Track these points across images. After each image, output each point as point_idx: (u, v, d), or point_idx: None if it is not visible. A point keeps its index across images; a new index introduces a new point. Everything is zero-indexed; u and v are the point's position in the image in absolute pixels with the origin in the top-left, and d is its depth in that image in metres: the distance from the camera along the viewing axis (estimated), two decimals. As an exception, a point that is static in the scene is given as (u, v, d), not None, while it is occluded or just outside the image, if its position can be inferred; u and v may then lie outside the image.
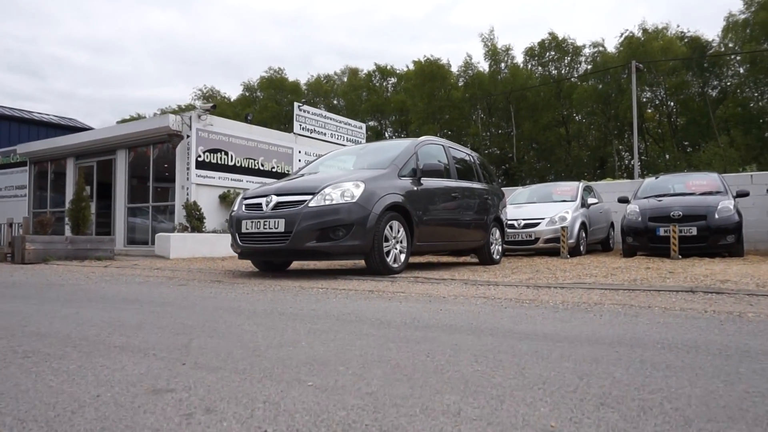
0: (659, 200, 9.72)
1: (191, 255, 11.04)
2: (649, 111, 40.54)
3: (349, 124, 17.28)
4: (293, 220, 5.25)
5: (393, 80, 53.07)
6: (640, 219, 9.38)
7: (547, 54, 41.96)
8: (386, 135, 53.55)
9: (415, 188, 6.21)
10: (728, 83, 36.45)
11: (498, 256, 8.30)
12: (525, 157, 42.58)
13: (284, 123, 53.84)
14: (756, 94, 35.78)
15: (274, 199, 5.51)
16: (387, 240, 5.63)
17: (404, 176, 6.16)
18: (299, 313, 2.91)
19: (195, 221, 11.54)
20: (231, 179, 12.80)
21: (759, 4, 34.13)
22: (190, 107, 61.29)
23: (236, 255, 5.89)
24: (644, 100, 39.12)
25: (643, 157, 41.61)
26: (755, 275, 5.09)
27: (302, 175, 6.71)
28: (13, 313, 3.15)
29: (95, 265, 8.08)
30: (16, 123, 22.84)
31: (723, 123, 34.87)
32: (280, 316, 2.88)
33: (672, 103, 39.31)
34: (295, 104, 15.22)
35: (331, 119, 16.38)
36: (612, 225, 13.11)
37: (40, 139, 23.37)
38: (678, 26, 37.62)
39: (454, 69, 46.58)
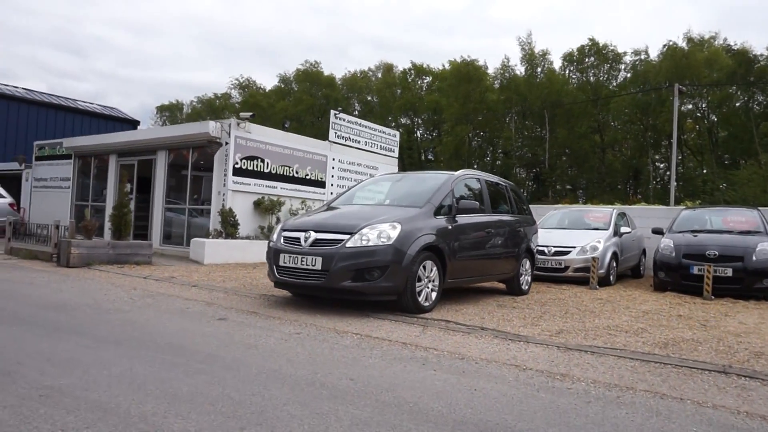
0: (695, 236, 9.57)
1: (224, 261, 11.35)
2: (689, 121, 39.47)
3: (383, 132, 17.39)
4: (330, 259, 5.40)
5: (428, 79, 52.82)
6: (674, 255, 9.26)
7: (587, 60, 41.16)
8: (418, 134, 53.44)
9: (450, 226, 6.30)
10: (776, 98, 35.19)
11: (527, 287, 8.34)
12: (557, 163, 41.99)
13: (318, 116, 54.23)
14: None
15: (313, 235, 5.67)
16: (419, 279, 5.75)
17: (440, 214, 6.26)
18: (340, 387, 3.05)
19: (230, 227, 11.84)
20: (266, 186, 13.07)
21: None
22: (226, 96, 62.25)
23: (271, 277, 6.08)
24: (684, 110, 38.08)
25: (679, 168, 40.60)
26: (791, 342, 5.04)
27: (338, 206, 6.86)
28: (71, 365, 3.38)
29: (135, 274, 8.41)
30: (62, 112, 23.67)
31: (766, 140, 33.72)
32: (321, 389, 3.02)
33: (713, 116, 38.19)
34: (332, 112, 15.39)
35: (366, 127, 16.52)
36: (644, 252, 12.94)
37: (84, 128, 24.21)
38: (725, 39, 36.29)
39: (490, 70, 46.14)
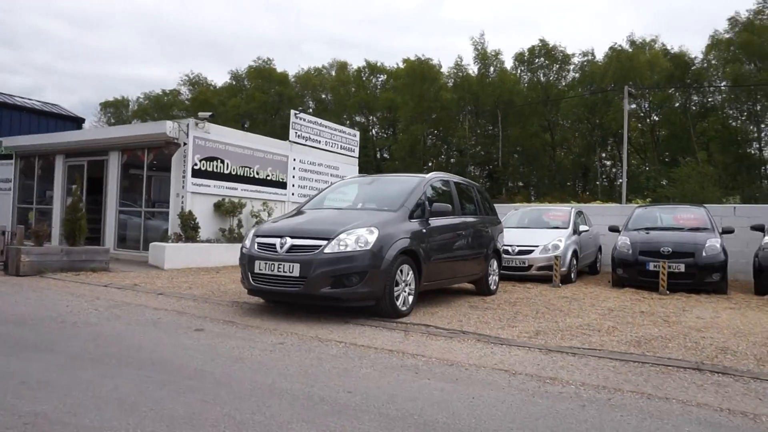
0: (649, 233, 10.02)
1: (185, 265, 11.01)
2: (633, 121, 41.33)
3: (344, 132, 17.30)
4: (308, 265, 5.33)
5: (382, 77, 52.95)
6: (630, 252, 9.67)
7: (537, 60, 42.36)
8: (373, 133, 53.47)
9: (424, 229, 6.34)
10: (710, 100, 37.34)
11: (495, 287, 8.50)
12: (510, 161, 43.05)
13: (271, 114, 53.38)
14: (735, 113, 36.74)
15: (289, 241, 5.57)
16: (397, 284, 5.76)
17: (413, 218, 6.28)
18: (340, 401, 3.01)
19: (190, 231, 11.48)
20: (226, 187, 12.75)
21: (743, 25, 34.98)
22: (175, 92, 60.29)
23: (245, 284, 5.94)
24: (628, 111, 39.86)
25: (624, 166, 42.47)
26: (747, 333, 5.36)
27: (310, 210, 6.77)
28: (49, 387, 3.20)
29: (94, 282, 8.03)
30: (-2, 108, 22.21)
31: (703, 138, 35.76)
32: (321, 404, 2.98)
33: (655, 116, 40.13)
34: (292, 112, 15.18)
35: (326, 127, 16.38)
36: (600, 249, 13.44)
37: (23, 126, 22.82)
38: (663, 43, 38.17)
39: (444, 69, 46.76)
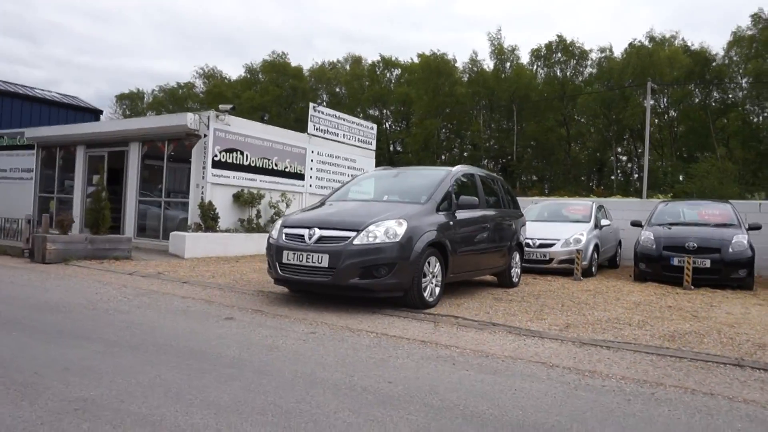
0: (673, 228, 9.89)
1: (205, 254, 11.08)
2: (651, 117, 40.80)
3: (361, 125, 17.26)
4: (337, 256, 5.32)
5: (397, 72, 52.76)
6: (654, 247, 9.55)
7: (554, 56, 41.92)
8: (387, 126, 53.34)
9: (451, 222, 6.30)
10: (731, 96, 36.75)
11: (517, 279, 8.44)
12: (524, 155, 42.75)
13: (284, 107, 53.39)
14: (756, 109, 36.13)
15: (318, 232, 5.56)
16: (425, 276, 5.73)
17: (442, 210, 6.24)
18: (382, 391, 3.00)
19: (210, 221, 11.54)
20: (245, 179, 12.78)
21: (766, 21, 34.31)
22: (189, 85, 60.54)
23: (272, 273, 5.94)
24: (645, 105, 39.36)
25: (641, 162, 41.99)
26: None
27: (336, 202, 6.75)
28: (93, 374, 3.22)
29: (119, 270, 8.10)
30: (19, 100, 22.47)
31: (722, 135, 35.22)
32: (364, 393, 2.96)
33: (673, 112, 39.58)
34: (311, 105, 15.16)
35: (343, 120, 16.35)
36: (620, 243, 13.30)
37: (42, 117, 23.09)
38: (683, 39, 37.59)
39: (459, 64, 46.45)
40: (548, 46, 41.48)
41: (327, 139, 15.48)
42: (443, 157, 48.16)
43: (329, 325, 4.83)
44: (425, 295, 5.73)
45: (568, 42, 40.66)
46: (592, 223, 10.96)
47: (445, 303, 6.22)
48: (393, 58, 51.94)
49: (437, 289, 5.99)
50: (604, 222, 11.38)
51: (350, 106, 49.70)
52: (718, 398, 3.15)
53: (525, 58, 43.47)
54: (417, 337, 4.48)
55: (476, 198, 6.68)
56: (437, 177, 6.77)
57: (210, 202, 11.65)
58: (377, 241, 5.39)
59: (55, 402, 2.67)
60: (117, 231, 12.98)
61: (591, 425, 2.63)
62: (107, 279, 7.19)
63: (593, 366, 3.75)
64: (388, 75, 52.69)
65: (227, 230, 12.13)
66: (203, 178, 11.96)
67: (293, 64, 55.41)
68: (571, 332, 4.86)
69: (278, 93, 52.46)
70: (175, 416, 2.53)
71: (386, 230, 5.45)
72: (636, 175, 39.89)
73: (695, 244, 9.18)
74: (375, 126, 18.25)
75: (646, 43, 37.69)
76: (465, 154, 48.45)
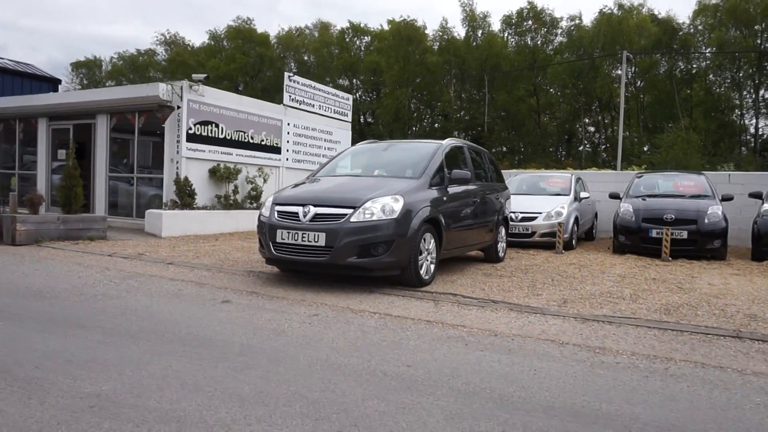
0: (651, 201, 10.09)
1: (182, 232, 10.78)
2: (615, 86, 41.37)
3: (337, 96, 16.90)
4: (334, 235, 5.21)
5: (366, 39, 51.76)
6: (633, 219, 9.74)
7: (525, 24, 41.77)
8: (357, 96, 52.59)
9: (444, 197, 6.25)
10: (695, 66, 37.51)
11: (503, 254, 8.51)
12: (495, 127, 42.90)
13: (251, 76, 51.90)
14: (718, 80, 37.01)
15: (312, 210, 5.43)
16: (420, 253, 5.69)
17: (434, 185, 6.17)
18: (405, 376, 2.96)
19: (186, 197, 11.19)
20: (221, 152, 12.40)
21: (731, -11, 34.84)
22: (150, 53, 58.08)
23: (265, 253, 5.79)
24: (614, 76, 39.86)
25: (609, 132, 42.73)
26: (765, 300, 5.45)
27: (325, 177, 6.60)
28: (99, 366, 3.07)
29: (97, 251, 7.80)
30: (-33, 68, 21.06)
31: (686, 105, 36.04)
32: (387, 379, 2.92)
33: (640, 82, 40.19)
34: (286, 74, 14.71)
35: (319, 90, 15.96)
36: (596, 215, 13.55)
37: (-4, 87, 21.74)
38: (650, 8, 37.95)
39: (429, 32, 45.86)
40: (519, 12, 41.30)
41: (303, 110, 15.12)
42: (414, 128, 47.94)
43: (330, 306, 4.75)
44: (421, 272, 5.70)
45: (538, 9, 40.57)
46: (572, 196, 11.10)
47: (438, 280, 6.21)
48: (362, 25, 50.90)
49: (432, 267, 5.96)
50: (583, 194, 11.54)
51: (319, 75, 48.64)
52: (729, 371, 3.23)
53: (496, 26, 43.29)
54: (421, 316, 4.45)
55: (468, 172, 6.62)
56: (428, 151, 6.67)
57: (186, 178, 11.28)
58: (374, 218, 5.29)
59: (67, 399, 2.53)
60: (86, 209, 12.49)
61: (618, 404, 2.65)
62: (87, 261, 6.90)
63: (601, 342, 3.80)
64: (357, 42, 51.67)
65: (204, 207, 11.81)
66: (177, 152, 11.54)
67: (259, 30, 53.71)
68: (570, 308, 4.92)
69: (244, 61, 50.92)
70: (198, 411, 2.43)
71: (383, 206, 5.35)
72: (604, 146, 40.62)
73: (673, 216, 9.40)
74: (350, 96, 17.91)
75: (615, 11, 37.91)
76: (436, 125, 48.34)
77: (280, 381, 2.84)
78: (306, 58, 53.45)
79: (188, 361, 3.13)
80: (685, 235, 9.25)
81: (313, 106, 15.58)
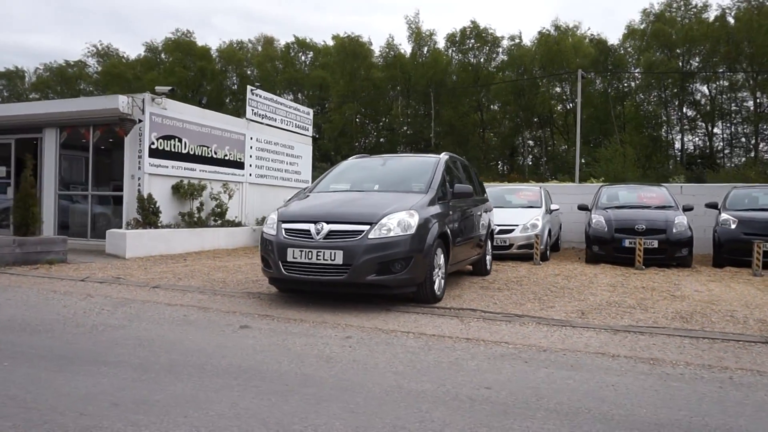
0: (621, 212, 10.48)
1: (147, 253, 10.14)
2: (554, 102, 43.34)
3: (298, 110, 16.61)
4: (353, 252, 4.99)
5: (311, 54, 51.52)
6: (606, 230, 10.07)
7: (468, 42, 43.02)
8: (302, 110, 52.02)
9: (450, 212, 6.19)
10: (626, 85, 39.93)
11: (490, 267, 8.53)
12: (441, 141, 43.69)
13: (192, 90, 50.31)
14: (647, 98, 39.58)
15: (326, 227, 5.19)
16: (433, 268, 5.57)
17: (439, 199, 6.09)
18: (491, 399, 2.82)
19: (151, 216, 10.54)
20: (185, 168, 11.81)
21: (655, 16, 37.51)
22: (80, 64, 55.06)
23: (273, 273, 5.47)
24: (553, 93, 41.74)
25: (548, 147, 44.59)
26: (759, 305, 5.72)
27: (325, 192, 6.37)
28: (154, 409, 2.74)
29: (65, 276, 7.15)
30: None
31: (620, 121, 38.23)
32: (476, 404, 2.77)
33: (577, 99, 42.19)
34: (249, 88, 14.30)
35: (281, 104, 15.64)
36: (560, 226, 13.95)
37: None
38: (588, 29, 40.21)
39: (375, 48, 46.31)
40: (463, 31, 42.49)
41: (266, 124, 14.72)
42: (360, 143, 48.01)
43: (356, 327, 4.53)
44: (435, 288, 5.58)
45: (481, 29, 41.92)
46: (544, 208, 11.36)
47: (444, 296, 6.10)
48: (308, 40, 50.67)
49: (442, 282, 5.86)
50: (553, 207, 11.85)
51: (263, 89, 47.89)
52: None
53: (441, 44, 44.28)
54: (456, 334, 4.32)
55: (470, 186, 6.61)
56: (429, 165, 6.60)
57: (150, 195, 10.64)
58: (391, 234, 5.13)
59: (145, 452, 2.20)
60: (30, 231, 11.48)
61: (722, 418, 2.63)
62: (60, 288, 6.29)
63: (649, 353, 3.81)
64: (303, 57, 51.35)
65: (168, 225, 11.18)
66: (139, 168, 10.88)
67: (199, 43, 52.26)
68: (592, 319, 4.94)
69: (185, 75, 49.30)
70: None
71: (399, 222, 5.20)
72: (544, 159, 42.28)
73: (644, 226, 9.80)
74: (311, 111, 17.65)
75: (552, 31, 39.81)
76: (382, 139, 48.61)
77: (369, 414, 2.62)
78: (249, 72, 52.48)
79: (252, 396, 2.84)
80: (655, 244, 9.65)
81: (275, 120, 15.21)
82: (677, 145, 40.52)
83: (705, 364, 3.57)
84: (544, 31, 38.75)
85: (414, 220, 5.27)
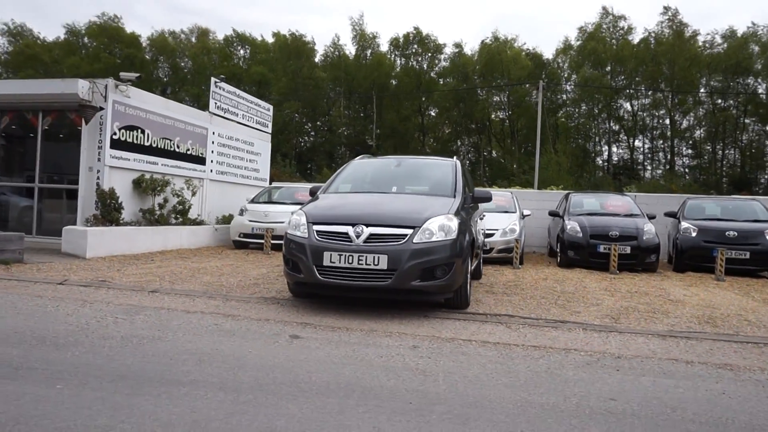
0: (594, 219, 10.88)
1: (109, 252, 9.29)
2: (489, 110, 44.76)
3: (259, 105, 15.96)
4: (399, 257, 4.77)
5: (248, 49, 49.86)
6: (581, 236, 10.42)
7: (411, 47, 43.45)
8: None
9: (473, 216, 6.10)
10: (559, 97, 41.99)
11: (481, 271, 8.55)
12: (383, 144, 43.81)
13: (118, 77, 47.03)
14: (577, 111, 41.89)
15: (366, 230, 4.92)
16: (468, 273, 5.46)
17: (464, 204, 5.98)
18: (627, 411, 2.75)
19: (113, 212, 9.66)
20: (146, 162, 10.96)
21: (588, 33, 39.77)
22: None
23: (303, 278, 5.11)
24: (492, 102, 43.10)
25: (485, 154, 45.95)
26: (753, 309, 6.10)
27: (338, 192, 6.10)
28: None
29: (34, 279, 6.37)
30: None
31: (553, 131, 40.10)
32: (623, 417, 2.67)
33: (513, 109, 43.86)
34: (212, 80, 13.54)
35: (243, 98, 14.93)
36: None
37: None
38: (525, 43, 41.85)
39: (319, 48, 45.66)
40: (406, 36, 42.90)
41: (228, 119, 13.99)
42: (297, 142, 47.17)
43: (411, 335, 4.32)
44: (468, 294, 5.47)
45: (424, 35, 42.54)
46: (518, 213, 11.59)
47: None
48: (248, 34, 49.04)
49: (470, 288, 5.76)
50: (526, 212, 12.11)
51: (197, 83, 45.82)
52: None
53: (384, 47, 44.39)
54: (519, 341, 4.23)
55: (489, 191, 6.55)
56: (447, 168, 6.49)
57: (113, 190, 9.75)
58: (433, 238, 4.96)
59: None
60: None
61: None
62: (42, 293, 5.55)
63: (718, 359, 3.90)
64: (243, 52, 49.62)
65: (131, 223, 10.31)
66: (99, 160, 9.96)
67: (128, 30, 49.11)
68: (628, 324, 5.02)
69: (111, 62, 45.96)
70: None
71: (440, 227, 5.04)
72: (482, 166, 43.52)
73: (617, 233, 10.23)
74: (271, 107, 17.02)
75: (491, 42, 41.10)
76: (322, 139, 47.98)
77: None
78: (183, 64, 49.97)
79: (386, 417, 2.57)
80: (628, 250, 10.10)
81: (237, 115, 14.52)
82: (605, 155, 43.14)
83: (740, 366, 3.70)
84: (486, 41, 39.90)
85: (454, 225, 5.13)
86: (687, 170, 40.65)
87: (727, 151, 41.02)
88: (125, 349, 3.62)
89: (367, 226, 4.96)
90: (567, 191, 14.70)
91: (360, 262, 4.81)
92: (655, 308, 5.95)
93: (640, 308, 5.96)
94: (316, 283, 4.98)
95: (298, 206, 11.79)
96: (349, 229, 4.97)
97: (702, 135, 41.16)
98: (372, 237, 4.91)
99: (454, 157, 6.99)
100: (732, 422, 2.67)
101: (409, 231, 4.92)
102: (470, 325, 4.78)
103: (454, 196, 5.84)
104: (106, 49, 46.98)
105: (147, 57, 49.27)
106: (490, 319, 5.07)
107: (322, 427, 2.44)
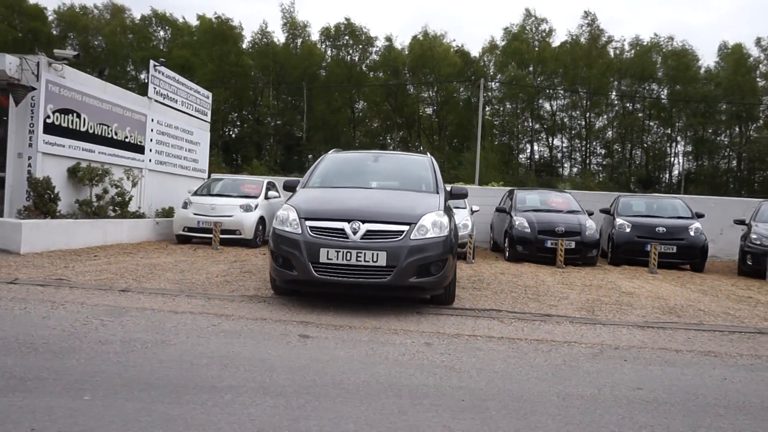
0: (540, 215, 11.42)
1: (46, 248, 8.55)
2: (421, 104, 45.58)
3: (198, 92, 15.21)
4: (398, 254, 4.77)
5: (169, 30, 47.26)
6: (530, 231, 10.92)
7: (342, 38, 43.15)
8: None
9: (452, 213, 6.21)
10: (486, 95, 43.48)
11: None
12: (313, 136, 43.28)
13: (20, 53, 42.93)
14: (503, 109, 43.65)
15: (362, 226, 4.87)
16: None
17: (446, 200, 6.08)
18: (659, 400, 2.95)
19: (49, 203, 8.86)
20: (83, 149, 10.15)
21: (512, 35, 41.47)
22: None
23: (297, 276, 4.97)
24: (421, 98, 43.85)
25: (413, 149, 46.68)
26: (694, 298, 6.72)
27: (317, 187, 6.00)
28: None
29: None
30: None
31: (481, 129, 41.56)
32: (659, 405, 2.86)
33: (442, 105, 44.92)
34: (152, 63, 12.70)
35: (182, 84, 14.16)
36: (467, 226, 14.72)
37: None
38: (454, 40, 42.92)
39: (247, 34, 44.14)
40: (337, 27, 42.53)
41: (167, 105, 13.22)
42: (228, 131, 45.53)
43: (416, 332, 4.36)
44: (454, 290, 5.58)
45: (355, 26, 42.40)
46: (468, 209, 11.92)
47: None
48: (169, 15, 46.42)
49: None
50: (475, 208, 12.48)
51: (113, 64, 42.83)
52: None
53: (315, 36, 43.75)
54: (520, 336, 4.39)
55: (466, 187, 6.68)
56: (425, 164, 6.55)
57: (48, 179, 8.94)
58: (429, 235, 5.00)
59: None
60: None
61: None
62: (22, 296, 5.01)
63: (712, 347, 4.27)
64: (162, 33, 46.91)
65: (65, 215, 9.50)
66: (30, 145, 9.08)
67: (32, 1, 44.83)
68: (604, 317, 5.35)
69: (12, 35, 41.90)
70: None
71: (434, 223, 5.09)
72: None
73: (563, 229, 10.82)
74: (210, 95, 16.27)
75: (422, 38, 41.79)
76: (249, 130, 46.57)
77: (587, 424, 2.56)
78: (96, 42, 46.43)
79: (449, 416, 2.59)
80: (572, 245, 10.71)
81: (177, 101, 13.76)
82: (527, 153, 45.35)
83: (762, 354, 4.11)
84: (418, 36, 40.50)
85: (446, 221, 5.21)
86: (601, 169, 43.64)
87: (634, 152, 44.48)
88: (133, 354, 3.36)
89: (363, 222, 4.92)
90: (510, 188, 15.28)
91: (358, 258, 4.77)
92: (618, 300, 6.38)
93: (604, 300, 6.36)
94: (312, 280, 4.87)
95: (247, 199, 11.77)
96: (345, 225, 4.90)
97: (613, 136, 44.34)
98: (369, 233, 4.87)
99: (428, 153, 7.06)
100: (749, 405, 2.94)
101: (406, 227, 4.94)
102: (466, 321, 4.89)
103: (438, 192, 5.92)
104: (4, 20, 42.65)
105: (54, 33, 45.38)
106: (480, 314, 5.21)
107: (392, 428, 2.42)
